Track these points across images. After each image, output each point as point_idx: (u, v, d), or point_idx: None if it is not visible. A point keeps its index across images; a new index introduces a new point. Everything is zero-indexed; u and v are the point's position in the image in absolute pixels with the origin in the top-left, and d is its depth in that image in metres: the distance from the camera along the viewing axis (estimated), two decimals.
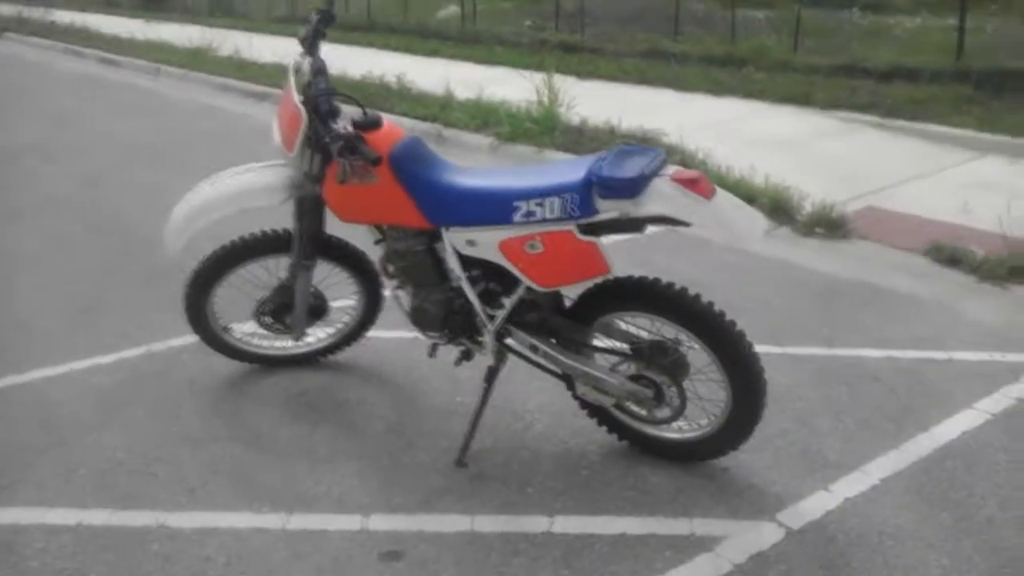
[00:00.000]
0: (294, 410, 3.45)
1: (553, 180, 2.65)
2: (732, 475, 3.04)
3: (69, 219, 5.92)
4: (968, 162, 6.81)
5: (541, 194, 2.64)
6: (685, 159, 6.56)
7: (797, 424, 3.35)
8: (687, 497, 2.92)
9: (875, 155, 7.08)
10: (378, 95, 9.41)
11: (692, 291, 2.82)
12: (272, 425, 3.34)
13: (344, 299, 3.68)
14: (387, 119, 2.97)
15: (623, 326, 2.97)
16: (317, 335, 3.75)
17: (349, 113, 2.98)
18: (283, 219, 3.34)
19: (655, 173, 2.56)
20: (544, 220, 2.66)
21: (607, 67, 10.97)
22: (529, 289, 2.86)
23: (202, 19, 19.65)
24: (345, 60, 10.97)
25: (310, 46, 3.08)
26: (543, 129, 7.51)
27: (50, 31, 18.47)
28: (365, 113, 2.90)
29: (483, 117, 8.11)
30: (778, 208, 5.68)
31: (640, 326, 2.95)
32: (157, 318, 4.16)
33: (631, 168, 2.56)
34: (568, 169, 2.68)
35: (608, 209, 2.60)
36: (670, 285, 2.81)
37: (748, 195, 5.84)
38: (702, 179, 2.55)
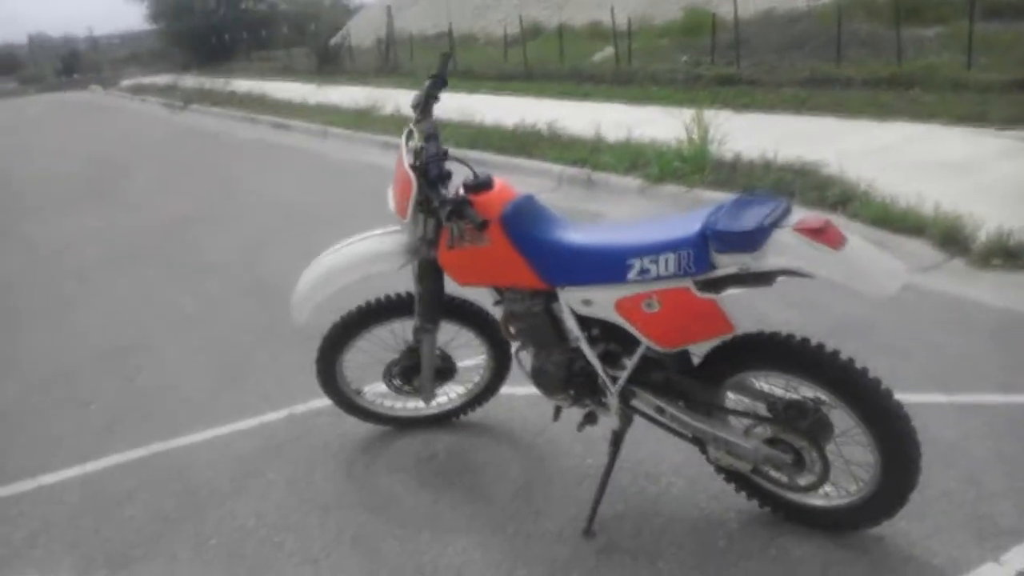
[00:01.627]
0: (423, 475, 3.39)
1: (667, 235, 2.49)
2: (887, 546, 2.75)
3: (227, 283, 6.18)
4: None
5: (655, 250, 2.49)
6: (845, 190, 6.22)
7: (964, 484, 3.01)
8: (837, 572, 2.66)
9: None
10: (530, 142, 9.47)
11: (832, 345, 2.58)
12: (400, 491, 3.29)
13: (475, 358, 3.61)
14: (499, 179, 2.89)
15: (757, 385, 2.75)
16: (448, 395, 3.70)
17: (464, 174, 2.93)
18: (408, 282, 3.31)
19: (776, 224, 2.36)
20: (659, 278, 2.50)
21: (765, 98, 10.63)
22: (651, 348, 2.70)
23: (369, 80, 20.50)
24: (501, 110, 11.15)
25: (422, 111, 3.05)
26: (693, 168, 7.30)
27: (229, 100, 19.71)
28: (476, 175, 2.84)
29: (632, 158, 7.98)
30: (949, 238, 5.26)
31: (776, 384, 2.73)
32: (300, 381, 4.22)
33: (749, 220, 2.37)
34: (683, 223, 2.51)
35: (726, 264, 2.41)
36: (805, 341, 2.58)
37: (915, 226, 5.48)
38: (829, 227, 2.33)
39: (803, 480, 2.74)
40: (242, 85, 22.20)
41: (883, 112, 9.03)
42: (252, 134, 14.93)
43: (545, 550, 2.88)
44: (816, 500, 2.82)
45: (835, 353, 2.55)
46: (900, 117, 8.77)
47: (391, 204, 3.07)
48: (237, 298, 5.82)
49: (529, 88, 15.07)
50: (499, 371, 3.59)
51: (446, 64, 3.15)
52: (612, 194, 7.53)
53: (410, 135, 3.03)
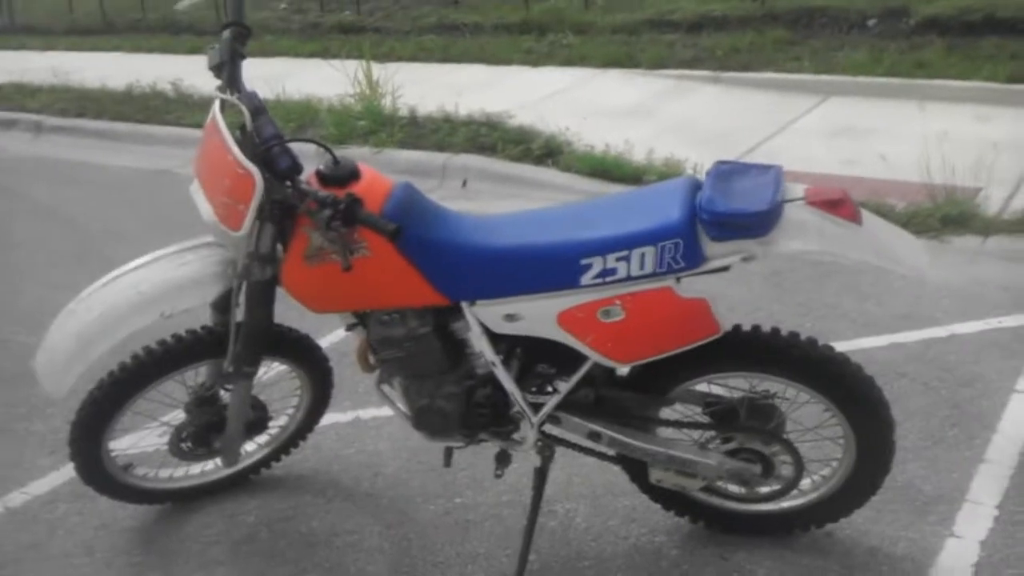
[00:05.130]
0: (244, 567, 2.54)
1: (638, 224, 1.94)
2: (841, 540, 2.47)
3: None
4: (816, 107, 6.59)
5: (624, 244, 1.92)
6: (549, 142, 5.96)
7: None
8: None
9: (731, 113, 6.72)
10: (155, 106, 8.11)
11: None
12: None
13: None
14: (364, 164, 2.12)
15: (705, 389, 2.31)
16: (246, 447, 2.83)
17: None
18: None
19: (784, 198, 1.91)
20: (629, 279, 1.94)
21: (404, 47, 10.08)
22: (597, 365, 2.14)
23: None
24: (97, 69, 9.51)
25: (231, 76, 2.17)
26: (376, 126, 6.65)
27: None
28: (336, 160, 2.04)
29: (296, 119, 7.12)
30: None
31: (731, 384, 2.30)
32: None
33: (751, 195, 1.89)
34: (650, 205, 1.97)
35: (723, 254, 1.93)
36: (775, 333, 2.17)
37: (633, 174, 5.38)
38: (844, 198, 1.93)
39: (767, 488, 2.37)
40: None
41: (531, 58, 8.89)
42: None
43: None
44: (766, 505, 2.46)
45: (813, 342, 2.18)
46: (550, 62, 8.69)
47: (207, 213, 2.15)
48: None
49: (119, 43, 13.13)
50: (316, 407, 2.80)
51: (242, 4, 2.29)
52: None
53: (223, 110, 2.14)
